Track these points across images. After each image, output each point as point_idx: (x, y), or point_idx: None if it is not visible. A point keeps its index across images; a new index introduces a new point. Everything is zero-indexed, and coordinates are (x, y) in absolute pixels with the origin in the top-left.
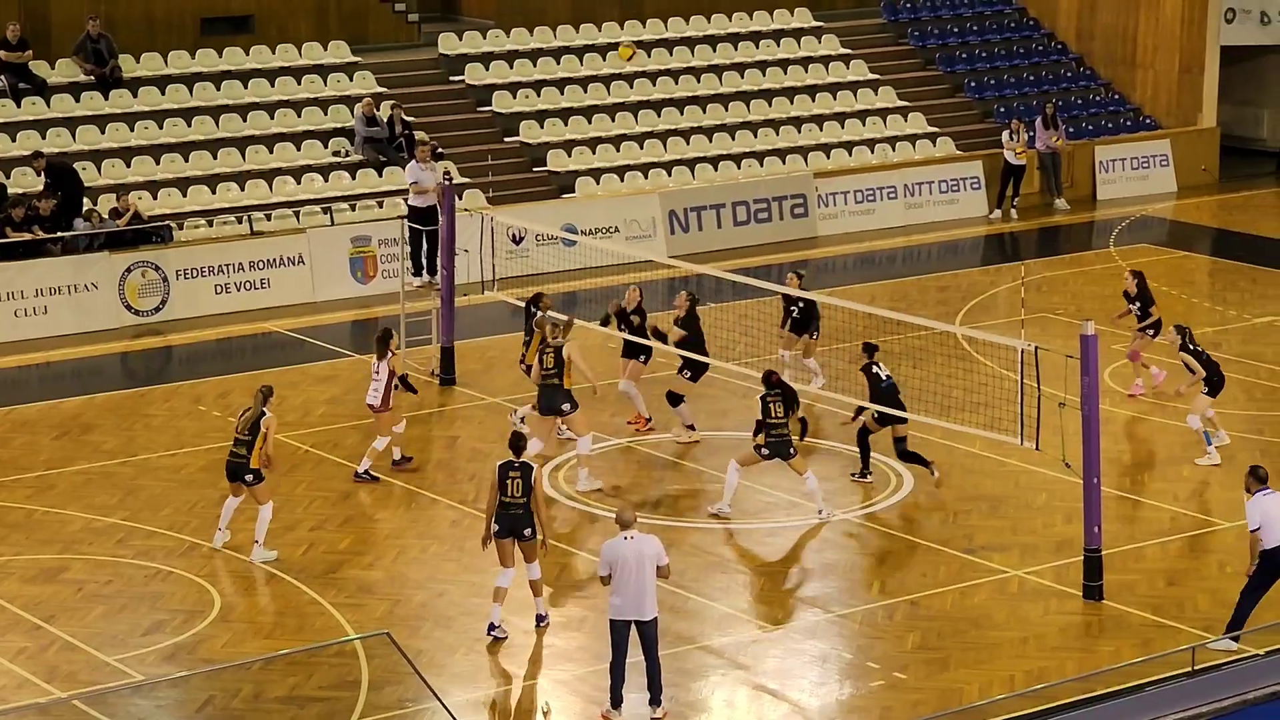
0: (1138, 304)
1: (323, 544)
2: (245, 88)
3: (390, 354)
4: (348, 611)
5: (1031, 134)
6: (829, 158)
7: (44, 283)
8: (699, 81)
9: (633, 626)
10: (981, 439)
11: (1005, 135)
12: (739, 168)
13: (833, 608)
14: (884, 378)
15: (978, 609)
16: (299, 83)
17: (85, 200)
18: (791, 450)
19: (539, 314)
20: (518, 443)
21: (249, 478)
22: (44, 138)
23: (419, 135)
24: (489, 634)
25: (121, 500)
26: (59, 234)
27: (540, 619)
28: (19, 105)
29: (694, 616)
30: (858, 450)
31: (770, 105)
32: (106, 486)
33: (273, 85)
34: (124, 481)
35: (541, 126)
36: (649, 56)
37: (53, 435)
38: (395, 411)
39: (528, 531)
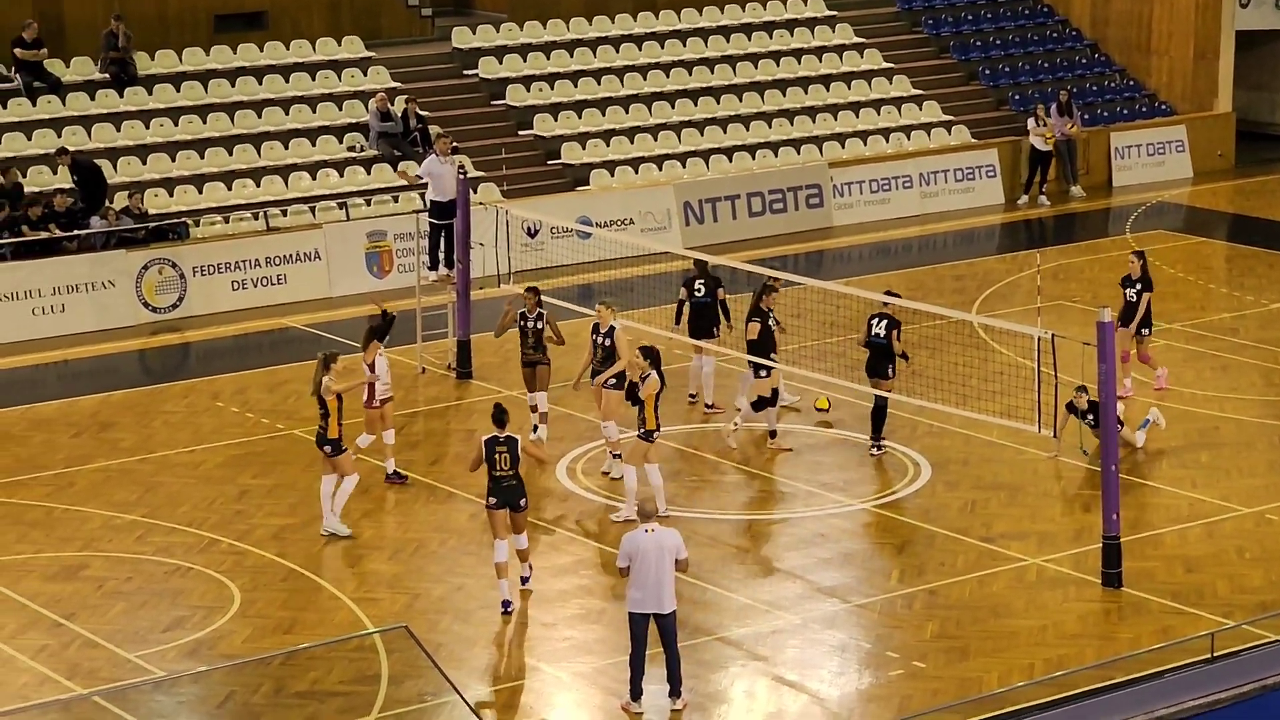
0: (1138, 287)
1: (341, 539)
2: (260, 84)
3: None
4: (367, 606)
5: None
6: (844, 147)
7: (61, 281)
8: (713, 73)
9: (652, 619)
10: (999, 427)
11: (1031, 122)
12: (754, 159)
13: (851, 598)
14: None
15: (996, 597)
16: (313, 78)
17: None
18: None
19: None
20: (500, 416)
21: (327, 449)
22: (59, 135)
23: (434, 129)
24: (504, 611)
25: (140, 497)
26: (76, 232)
27: (524, 579)
28: (34, 104)
29: (713, 608)
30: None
31: (784, 95)
32: (125, 483)
33: (287, 81)
34: (143, 478)
35: (555, 119)
36: (661, 48)
37: (71, 433)
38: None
39: (522, 502)
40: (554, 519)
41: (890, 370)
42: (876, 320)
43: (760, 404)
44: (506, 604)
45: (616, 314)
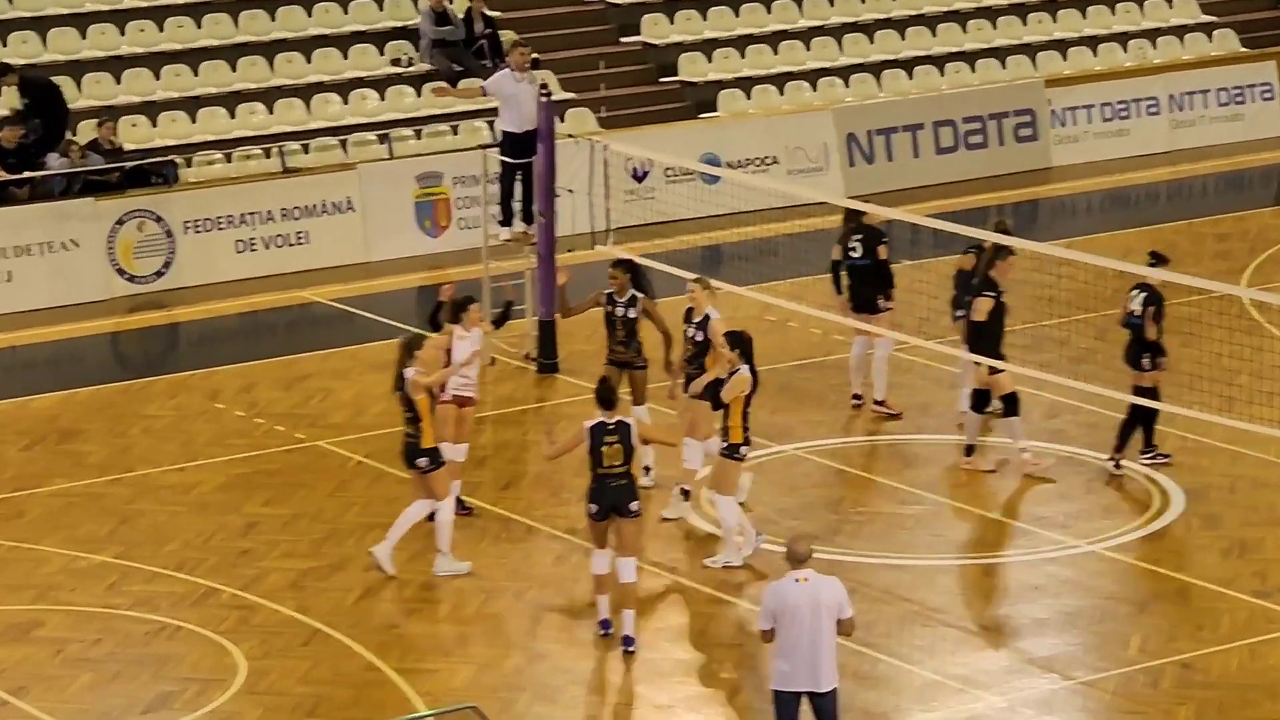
0: None
1: (382, 588)
2: None
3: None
4: (417, 679)
5: None
6: (1066, 59)
7: (8, 240)
8: None
9: (805, 699)
10: (1278, 443)
11: None
12: (942, 75)
13: (1075, 672)
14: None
15: (1274, 672)
16: None
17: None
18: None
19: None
20: (607, 395)
21: (422, 462)
22: (5, 45)
23: (508, 36)
24: (600, 632)
25: (114, 531)
26: (27, 174)
27: (627, 642)
28: None
29: (887, 685)
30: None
31: None
32: (94, 512)
33: None
34: (117, 506)
35: (671, 22)
36: None
37: (21, 444)
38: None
39: (634, 506)
40: (670, 563)
41: (1145, 361)
42: (1135, 293)
43: (980, 402)
44: (605, 624)
45: (716, 296)
